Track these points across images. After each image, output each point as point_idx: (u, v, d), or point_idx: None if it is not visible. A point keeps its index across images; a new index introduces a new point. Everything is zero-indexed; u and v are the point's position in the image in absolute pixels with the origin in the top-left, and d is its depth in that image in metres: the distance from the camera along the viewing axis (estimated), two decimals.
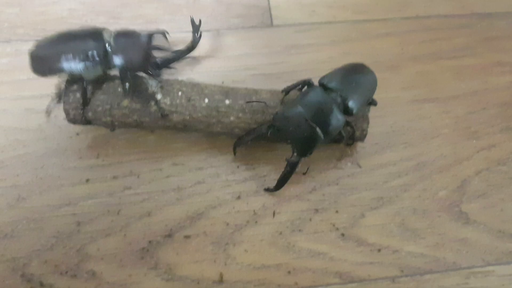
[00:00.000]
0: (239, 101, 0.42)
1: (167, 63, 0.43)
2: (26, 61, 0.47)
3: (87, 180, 0.44)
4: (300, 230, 0.43)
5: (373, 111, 0.45)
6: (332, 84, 0.41)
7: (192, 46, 0.45)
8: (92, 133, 0.45)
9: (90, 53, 0.39)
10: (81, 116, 0.41)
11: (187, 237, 0.42)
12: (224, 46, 0.51)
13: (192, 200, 0.43)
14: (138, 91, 0.41)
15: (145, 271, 0.41)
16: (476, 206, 0.45)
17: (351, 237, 0.43)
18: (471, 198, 0.45)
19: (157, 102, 0.41)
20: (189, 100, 0.42)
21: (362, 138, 0.44)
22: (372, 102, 0.44)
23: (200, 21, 0.46)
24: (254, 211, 0.44)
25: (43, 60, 0.41)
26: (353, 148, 0.47)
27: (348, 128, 0.42)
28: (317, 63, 0.50)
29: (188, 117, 0.42)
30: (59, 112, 0.46)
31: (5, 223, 0.42)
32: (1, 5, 0.51)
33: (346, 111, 0.40)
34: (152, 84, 0.42)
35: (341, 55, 0.51)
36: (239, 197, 0.44)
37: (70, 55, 0.39)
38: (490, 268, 0.42)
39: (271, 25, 0.53)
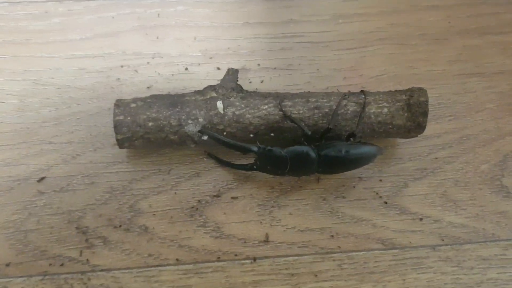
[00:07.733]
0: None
1: None
2: (78, 21, 0.49)
3: None
4: (343, 197, 0.44)
5: (419, 83, 0.46)
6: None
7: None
8: None
9: None
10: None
11: (234, 198, 0.44)
12: (272, 12, 0.51)
13: (239, 163, 0.45)
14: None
15: (194, 228, 0.42)
16: None
17: (394, 205, 0.44)
18: None
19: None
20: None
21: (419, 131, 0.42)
22: None
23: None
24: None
25: None
26: None
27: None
28: (364, 33, 0.50)
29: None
30: (112, 72, 0.47)
31: (60, 177, 0.43)
32: None
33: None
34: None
35: (388, 26, 0.51)
36: None
37: None
38: None
39: None
